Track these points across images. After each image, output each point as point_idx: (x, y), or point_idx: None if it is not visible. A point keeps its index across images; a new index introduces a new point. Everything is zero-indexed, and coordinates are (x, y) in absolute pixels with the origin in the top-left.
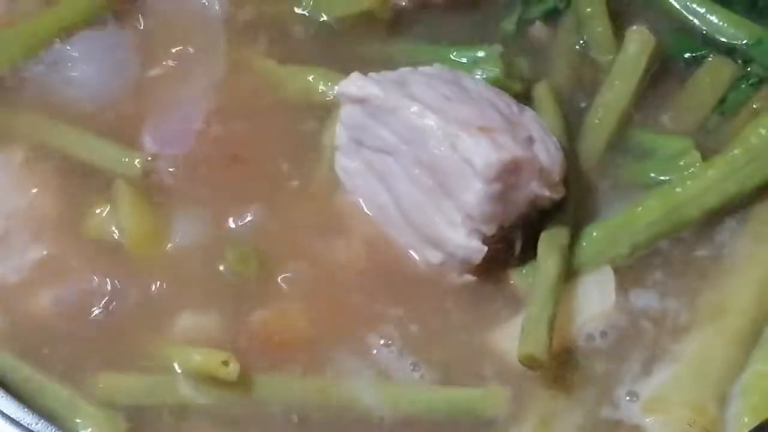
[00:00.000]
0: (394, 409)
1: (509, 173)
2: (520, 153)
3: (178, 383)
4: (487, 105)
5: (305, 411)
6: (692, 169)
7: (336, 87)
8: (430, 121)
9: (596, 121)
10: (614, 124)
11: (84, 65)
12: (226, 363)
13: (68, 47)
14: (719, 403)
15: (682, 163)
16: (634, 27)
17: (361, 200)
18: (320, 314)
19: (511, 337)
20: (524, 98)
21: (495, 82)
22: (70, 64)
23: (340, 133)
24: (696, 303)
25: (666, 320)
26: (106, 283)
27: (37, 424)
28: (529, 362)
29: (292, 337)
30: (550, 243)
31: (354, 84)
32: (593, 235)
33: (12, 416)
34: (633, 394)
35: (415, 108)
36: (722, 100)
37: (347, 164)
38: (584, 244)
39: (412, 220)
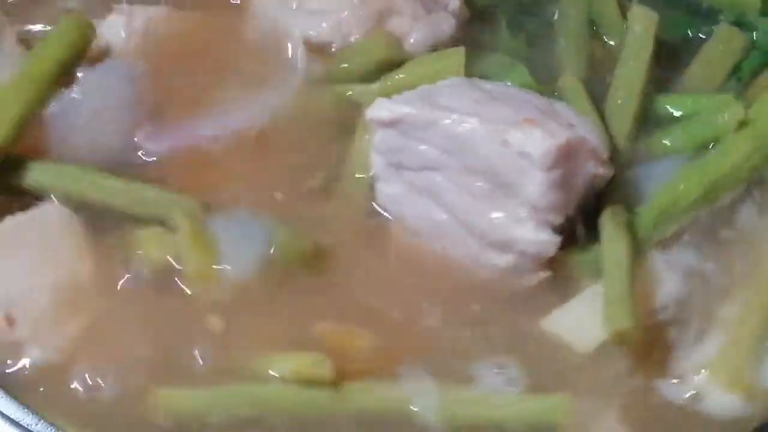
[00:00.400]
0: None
1: (566, 157)
2: (571, 135)
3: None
4: (518, 101)
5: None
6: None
7: (365, 114)
8: (473, 125)
9: (618, 101)
10: (637, 102)
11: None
12: (320, 364)
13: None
14: (756, 369)
15: (726, 116)
16: (634, 7)
17: (411, 223)
18: (381, 328)
19: (568, 321)
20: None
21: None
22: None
23: (375, 161)
24: (731, 270)
25: (708, 285)
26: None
27: (37, 424)
28: (621, 339)
29: (357, 352)
30: (614, 220)
31: (383, 108)
32: (641, 215)
33: (12, 417)
34: (680, 364)
35: (453, 116)
36: (737, 68)
37: (390, 191)
38: (633, 224)
39: (473, 229)
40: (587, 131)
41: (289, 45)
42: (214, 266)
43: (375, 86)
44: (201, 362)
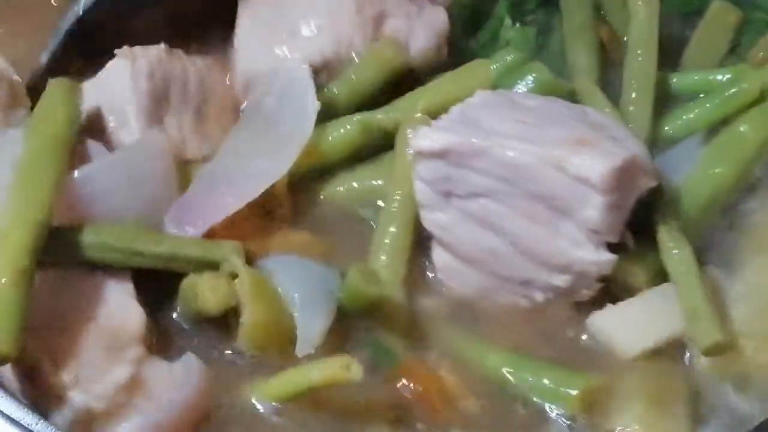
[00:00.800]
0: None
1: (622, 177)
2: (626, 154)
3: None
4: (560, 116)
5: None
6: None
7: (409, 146)
8: (527, 152)
9: (633, 95)
10: (651, 91)
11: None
12: (347, 367)
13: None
14: None
15: (745, 85)
16: None
17: (461, 249)
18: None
19: (615, 323)
20: None
21: (545, 88)
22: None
23: (420, 189)
24: (745, 239)
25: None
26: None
27: (37, 424)
28: (718, 350)
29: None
30: (668, 226)
31: (428, 138)
32: (688, 212)
33: (12, 416)
34: None
35: (503, 143)
36: (735, 43)
37: (439, 218)
38: (684, 221)
39: (530, 253)
40: (633, 143)
41: (287, 77)
42: (280, 319)
43: (401, 112)
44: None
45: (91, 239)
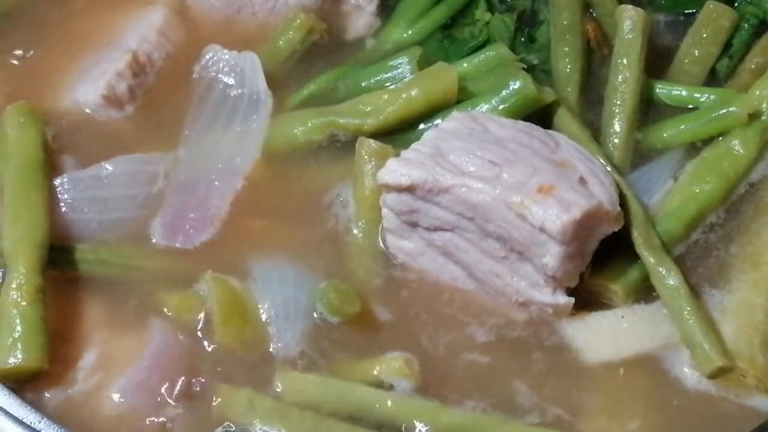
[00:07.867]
0: None
1: (582, 227)
2: (586, 205)
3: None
4: (529, 154)
5: None
6: (735, 142)
7: (376, 177)
8: (489, 195)
9: (615, 109)
10: (634, 102)
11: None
12: (411, 365)
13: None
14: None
15: (734, 109)
16: (621, 5)
17: (425, 276)
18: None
19: (586, 330)
20: None
21: (527, 100)
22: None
23: (387, 216)
24: (732, 256)
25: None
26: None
27: (40, 422)
28: (721, 374)
29: None
30: (656, 251)
31: (396, 172)
32: (674, 229)
33: (15, 415)
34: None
35: (468, 184)
36: (728, 45)
37: (404, 245)
38: (665, 239)
39: (490, 287)
40: (599, 186)
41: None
42: (248, 335)
43: (369, 121)
44: None
45: (85, 256)
